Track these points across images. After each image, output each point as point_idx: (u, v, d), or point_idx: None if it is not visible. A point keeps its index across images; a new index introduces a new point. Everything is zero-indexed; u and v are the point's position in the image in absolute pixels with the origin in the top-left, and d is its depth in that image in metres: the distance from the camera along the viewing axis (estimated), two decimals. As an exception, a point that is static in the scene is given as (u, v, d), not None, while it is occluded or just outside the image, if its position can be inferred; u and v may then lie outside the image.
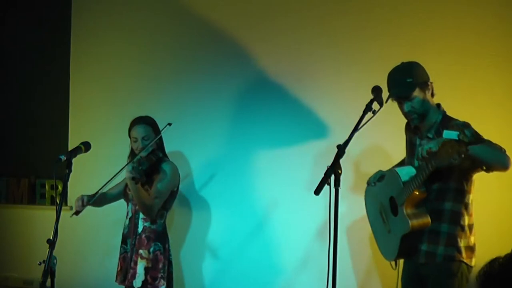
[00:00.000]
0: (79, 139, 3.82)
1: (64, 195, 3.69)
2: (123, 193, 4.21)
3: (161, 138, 4.18)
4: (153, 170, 4.07)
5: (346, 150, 3.18)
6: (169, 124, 4.06)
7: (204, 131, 4.62)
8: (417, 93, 3.35)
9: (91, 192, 3.96)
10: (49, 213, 4.67)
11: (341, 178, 3.13)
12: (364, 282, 4.30)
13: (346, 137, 3.20)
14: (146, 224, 4.08)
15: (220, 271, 4.59)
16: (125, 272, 4.08)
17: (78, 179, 4.05)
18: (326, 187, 3.09)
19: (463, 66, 4.13)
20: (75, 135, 4.79)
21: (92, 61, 4.92)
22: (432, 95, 3.42)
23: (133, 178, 3.86)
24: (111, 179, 3.87)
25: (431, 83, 3.41)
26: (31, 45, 5.23)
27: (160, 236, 4.10)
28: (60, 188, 4.42)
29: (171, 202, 4.19)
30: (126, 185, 4.11)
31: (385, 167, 3.66)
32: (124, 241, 4.14)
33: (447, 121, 3.35)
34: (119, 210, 4.29)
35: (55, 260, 3.22)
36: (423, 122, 3.41)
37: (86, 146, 3.66)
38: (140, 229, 4.08)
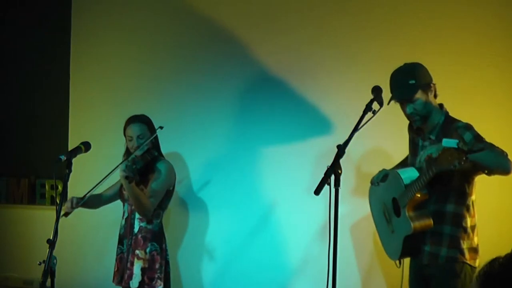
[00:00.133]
0: (79, 139, 3.82)
1: (64, 195, 3.68)
2: (118, 194, 4.17)
3: (156, 137, 4.15)
4: (148, 169, 4.03)
5: (348, 150, 3.18)
6: (161, 128, 4.04)
7: (204, 131, 4.62)
8: (419, 95, 3.35)
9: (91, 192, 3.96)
10: (49, 213, 4.67)
11: (344, 177, 3.13)
12: (368, 280, 4.30)
13: (346, 137, 3.20)
14: (142, 224, 4.04)
15: (219, 271, 4.59)
16: (121, 273, 4.04)
17: (78, 179, 4.05)
18: (327, 187, 3.08)
19: (463, 66, 4.13)
20: (75, 135, 4.78)
21: (92, 61, 4.91)
22: (435, 96, 3.42)
23: (126, 177, 3.78)
24: (102, 180, 3.79)
25: (434, 84, 3.41)
26: (31, 45, 5.23)
27: (157, 236, 4.06)
28: (60, 188, 4.41)
29: (167, 201, 4.14)
30: (122, 185, 4.07)
31: (387, 167, 3.66)
32: (120, 241, 4.10)
33: (450, 122, 3.35)
34: (119, 210, 4.28)
35: (55, 260, 3.22)
36: (426, 123, 3.41)
37: (86, 146, 3.66)
38: (136, 229, 4.04)
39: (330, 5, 4.42)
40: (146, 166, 4.00)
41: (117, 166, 3.83)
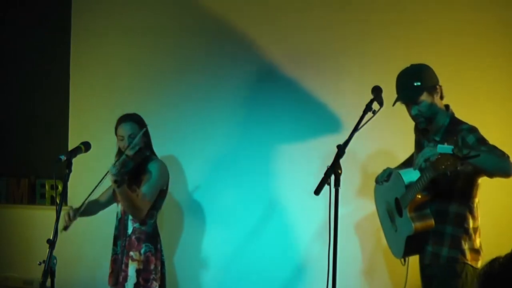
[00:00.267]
0: (79, 139, 3.82)
1: (64, 195, 3.68)
2: (113, 196, 4.09)
3: (148, 136, 4.07)
4: (140, 170, 3.97)
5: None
6: (144, 129, 3.93)
7: (204, 131, 4.62)
8: (424, 97, 3.35)
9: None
10: (49, 213, 4.67)
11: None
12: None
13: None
14: (136, 225, 3.98)
15: (218, 272, 4.59)
16: (116, 275, 3.99)
17: (78, 179, 4.05)
18: (331, 187, 3.09)
19: (463, 67, 4.14)
20: (75, 135, 4.78)
21: (92, 61, 4.91)
22: (441, 97, 3.42)
23: (115, 181, 3.72)
24: (95, 187, 3.75)
25: (440, 86, 3.40)
26: (31, 45, 5.23)
27: (151, 237, 3.99)
28: (60, 188, 4.41)
29: (161, 201, 4.06)
30: None
31: (392, 166, 3.67)
32: (114, 242, 4.04)
33: (455, 124, 3.36)
34: (119, 210, 4.29)
35: (55, 260, 3.22)
36: (431, 125, 3.41)
37: (86, 146, 3.66)
38: (129, 230, 3.98)
39: (336, 5, 4.43)
40: (138, 166, 3.94)
41: (106, 174, 3.73)
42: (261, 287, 4.45)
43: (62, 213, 3.34)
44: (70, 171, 3.44)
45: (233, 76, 4.59)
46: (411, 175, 3.34)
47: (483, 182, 3.41)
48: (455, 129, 3.31)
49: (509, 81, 4.13)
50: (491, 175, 3.24)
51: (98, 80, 4.90)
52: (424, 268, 3.48)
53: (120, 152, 4.02)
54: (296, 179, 4.40)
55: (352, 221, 4.30)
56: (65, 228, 3.77)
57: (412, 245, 3.39)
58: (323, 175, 3.10)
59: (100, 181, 3.75)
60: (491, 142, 3.25)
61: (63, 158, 3.45)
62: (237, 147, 4.56)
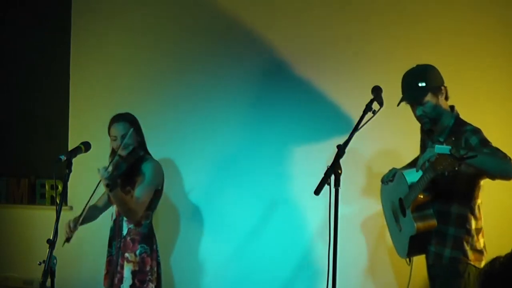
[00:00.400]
0: (79, 139, 3.82)
1: (64, 195, 3.67)
2: (108, 198, 4.03)
3: (142, 136, 4.03)
4: (134, 171, 3.92)
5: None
6: (132, 128, 3.89)
7: (205, 132, 4.62)
8: (429, 97, 3.35)
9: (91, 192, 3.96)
10: (49, 213, 4.67)
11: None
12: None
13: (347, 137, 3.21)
14: (131, 226, 3.93)
15: (218, 272, 4.59)
16: (111, 276, 3.95)
17: (78, 179, 4.05)
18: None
19: (463, 67, 4.14)
20: (75, 135, 4.78)
21: (92, 61, 4.91)
22: (446, 98, 3.42)
23: (107, 185, 3.68)
24: (92, 194, 3.72)
25: (445, 87, 3.41)
26: (31, 45, 5.23)
27: (146, 238, 3.95)
28: (60, 188, 4.41)
29: (156, 202, 4.02)
30: None
31: (397, 166, 3.68)
32: (109, 244, 4.01)
33: (459, 126, 3.36)
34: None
35: (55, 260, 3.21)
36: (436, 126, 3.42)
37: (86, 146, 3.65)
38: (124, 231, 3.94)
39: (333, 4, 4.43)
40: (131, 167, 3.90)
41: (99, 183, 3.71)
42: (261, 287, 4.45)
43: (62, 213, 3.34)
44: (70, 171, 3.43)
45: (233, 76, 4.59)
46: (414, 176, 3.35)
47: (486, 183, 3.41)
48: (460, 130, 3.32)
49: (509, 81, 4.13)
50: (492, 177, 3.25)
51: (98, 80, 4.90)
52: (428, 268, 3.52)
53: (113, 153, 3.98)
54: (297, 179, 4.39)
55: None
56: (67, 239, 3.74)
57: (415, 245, 3.41)
58: (323, 175, 3.10)
59: (96, 188, 3.72)
60: (491, 143, 3.25)
61: (63, 158, 3.44)
62: (237, 147, 4.56)
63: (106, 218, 4.23)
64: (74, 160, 3.48)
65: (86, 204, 3.74)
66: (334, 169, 3.11)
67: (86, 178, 4.23)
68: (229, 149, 4.58)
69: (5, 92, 5.31)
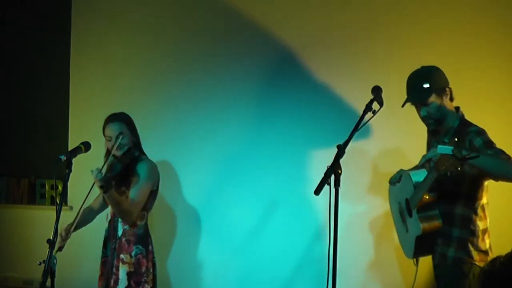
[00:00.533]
0: (79, 139, 3.81)
1: (64, 195, 3.67)
2: (103, 199, 3.99)
3: (137, 136, 4.00)
4: (129, 171, 3.88)
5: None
6: (121, 133, 3.86)
7: (205, 132, 4.62)
8: (433, 98, 3.37)
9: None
10: (49, 213, 4.67)
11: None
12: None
13: (348, 138, 3.22)
14: (126, 227, 3.90)
15: (217, 272, 4.59)
16: (106, 278, 3.90)
17: (78, 179, 4.04)
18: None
19: (463, 67, 4.14)
20: (75, 135, 4.78)
21: (92, 61, 4.91)
22: (451, 99, 3.45)
23: (101, 187, 3.64)
24: (85, 199, 3.68)
25: (450, 88, 3.43)
26: (31, 45, 5.23)
27: (142, 239, 3.91)
28: (60, 188, 4.41)
29: (152, 202, 3.98)
30: None
31: (404, 166, 3.69)
32: (104, 245, 3.98)
33: (464, 126, 3.38)
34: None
35: (55, 260, 3.21)
36: (441, 126, 3.44)
37: (86, 146, 3.65)
38: (119, 232, 3.90)
39: (333, 3, 4.44)
40: (126, 167, 3.87)
41: (93, 185, 3.68)
42: (261, 287, 4.45)
43: (62, 213, 3.33)
44: (70, 171, 3.43)
45: (233, 76, 4.59)
46: (420, 176, 3.38)
47: (497, 185, 3.42)
48: (464, 131, 3.34)
49: (509, 81, 4.14)
50: (495, 178, 3.27)
51: (98, 80, 4.90)
52: (434, 269, 3.54)
53: (108, 153, 3.95)
54: (297, 179, 4.39)
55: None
56: (60, 249, 3.64)
57: (421, 245, 3.43)
58: (323, 175, 3.10)
59: (90, 191, 3.69)
60: (496, 145, 3.27)
61: (63, 158, 3.44)
62: (237, 147, 4.56)
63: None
64: (74, 160, 3.48)
65: (79, 210, 3.71)
66: (334, 169, 3.11)
67: (86, 178, 4.22)
68: (229, 149, 4.58)
69: (5, 92, 5.31)
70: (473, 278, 3.35)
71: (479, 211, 3.40)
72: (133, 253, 3.88)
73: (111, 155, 3.87)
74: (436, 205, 3.36)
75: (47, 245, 3.25)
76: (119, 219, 3.91)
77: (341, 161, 3.12)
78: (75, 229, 3.74)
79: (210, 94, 4.63)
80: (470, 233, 3.38)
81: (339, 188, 3.11)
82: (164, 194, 4.58)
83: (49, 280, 3.23)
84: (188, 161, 4.65)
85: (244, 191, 4.53)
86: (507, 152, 3.22)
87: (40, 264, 3.21)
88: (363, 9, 4.38)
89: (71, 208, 4.70)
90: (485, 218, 3.43)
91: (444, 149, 3.02)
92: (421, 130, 3.62)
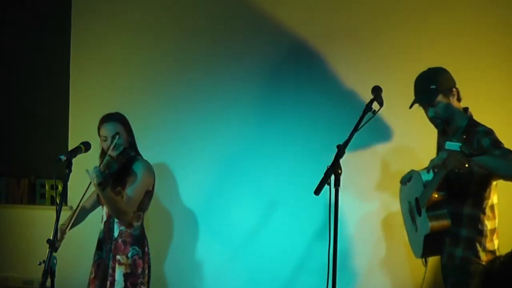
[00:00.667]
0: (79, 139, 3.81)
1: (64, 195, 3.67)
2: (97, 199, 4.00)
3: (133, 136, 3.99)
4: (125, 171, 3.86)
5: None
6: (117, 133, 3.84)
7: (204, 131, 4.62)
8: (440, 99, 3.42)
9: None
10: (49, 213, 4.67)
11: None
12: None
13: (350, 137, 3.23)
14: (122, 228, 3.87)
15: (218, 271, 4.59)
16: (101, 280, 3.87)
17: (78, 179, 4.04)
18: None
19: (463, 67, 4.14)
20: (75, 135, 4.78)
21: (92, 61, 4.91)
22: (459, 100, 3.48)
23: (99, 184, 3.62)
24: (80, 201, 3.69)
25: (457, 89, 3.47)
26: (31, 45, 5.23)
27: (138, 240, 3.89)
28: (60, 188, 4.41)
29: (147, 202, 3.96)
30: None
31: (414, 164, 3.71)
32: (99, 246, 3.95)
33: (472, 126, 3.41)
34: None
35: (55, 260, 3.21)
36: (449, 126, 3.48)
37: (86, 146, 3.65)
38: (116, 233, 3.88)
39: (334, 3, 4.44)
40: (123, 167, 3.85)
41: (90, 184, 3.67)
42: (261, 287, 4.45)
43: (62, 213, 3.33)
44: (70, 171, 3.43)
45: (233, 76, 4.59)
46: (430, 175, 3.41)
47: (506, 185, 3.43)
48: (472, 131, 3.36)
49: (509, 81, 4.14)
50: (503, 178, 3.31)
51: (98, 80, 4.90)
52: (442, 268, 3.57)
53: (103, 153, 3.93)
54: (297, 179, 4.39)
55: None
56: (56, 249, 3.53)
57: (430, 244, 3.45)
58: (323, 175, 3.10)
59: (85, 192, 3.68)
60: (503, 144, 3.29)
61: (63, 158, 3.44)
62: (237, 147, 4.56)
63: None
64: (74, 160, 3.48)
65: (76, 210, 3.71)
66: (334, 169, 3.12)
67: (86, 178, 4.22)
68: (229, 149, 4.58)
69: (5, 92, 5.31)
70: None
71: (488, 210, 3.42)
72: (129, 254, 3.86)
73: (107, 155, 3.85)
74: (445, 204, 3.38)
75: (47, 245, 3.25)
76: (115, 220, 3.89)
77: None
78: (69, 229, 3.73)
79: (210, 94, 4.63)
80: (478, 233, 3.40)
81: (339, 188, 3.12)
82: (164, 194, 4.58)
83: (49, 280, 3.23)
84: (188, 161, 4.65)
85: (244, 191, 4.53)
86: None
87: (40, 264, 3.21)
88: (363, 9, 4.38)
89: (71, 208, 4.69)
90: (494, 218, 3.45)
91: (452, 145, 3.07)
92: (434, 130, 3.65)
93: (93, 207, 4.07)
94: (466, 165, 3.07)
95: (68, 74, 4.96)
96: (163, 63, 4.76)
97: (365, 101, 3.32)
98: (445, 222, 3.38)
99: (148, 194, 3.96)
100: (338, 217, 3.11)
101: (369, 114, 3.25)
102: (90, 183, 3.67)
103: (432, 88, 3.42)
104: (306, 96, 4.43)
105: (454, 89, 3.46)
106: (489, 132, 3.33)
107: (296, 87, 4.46)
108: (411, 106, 3.47)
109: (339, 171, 3.13)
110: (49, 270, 3.20)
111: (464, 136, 3.20)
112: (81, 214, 3.99)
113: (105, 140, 3.90)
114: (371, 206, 4.30)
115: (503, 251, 3.32)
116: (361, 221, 4.28)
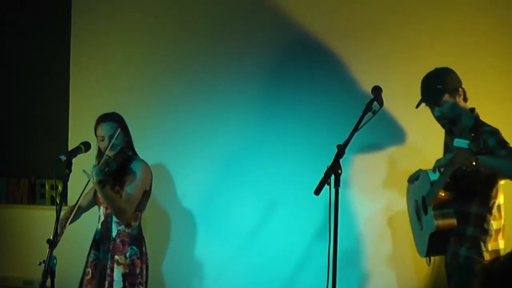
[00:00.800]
0: (79, 139, 3.82)
1: (64, 195, 3.67)
2: (94, 199, 4.00)
3: (129, 136, 4.00)
4: (123, 170, 3.86)
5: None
6: (118, 128, 3.85)
7: (204, 131, 4.62)
8: (446, 98, 3.46)
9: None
10: (49, 213, 4.67)
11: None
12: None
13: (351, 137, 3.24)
14: (120, 228, 3.87)
15: (218, 271, 4.59)
16: (98, 280, 3.86)
17: (78, 179, 4.04)
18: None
19: (463, 67, 4.13)
20: (75, 135, 4.78)
21: (92, 61, 4.91)
22: (465, 100, 3.52)
23: (99, 182, 3.61)
24: (80, 197, 3.69)
25: (463, 89, 3.51)
26: (31, 45, 5.23)
27: (136, 240, 3.89)
28: (60, 188, 4.41)
29: (145, 202, 3.96)
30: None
31: (421, 163, 3.72)
32: (96, 247, 3.93)
33: (479, 126, 3.44)
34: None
35: (55, 260, 3.22)
36: (455, 126, 3.51)
37: (86, 146, 3.65)
38: (114, 233, 3.87)
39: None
40: (121, 166, 3.85)
41: (88, 181, 3.67)
42: (261, 287, 4.45)
43: (62, 213, 3.33)
44: (70, 171, 3.44)
45: (233, 76, 4.58)
46: (437, 174, 3.42)
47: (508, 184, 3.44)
48: (479, 130, 3.39)
49: (509, 81, 4.14)
50: (509, 178, 3.34)
51: (98, 80, 4.90)
52: (446, 267, 3.59)
53: (100, 153, 3.93)
54: (297, 179, 4.39)
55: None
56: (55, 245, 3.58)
57: (435, 243, 3.47)
58: (323, 175, 3.11)
59: (84, 189, 3.69)
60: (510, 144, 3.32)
61: (63, 158, 3.44)
62: (238, 147, 4.56)
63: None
64: (74, 160, 3.48)
65: (75, 206, 3.71)
66: (334, 169, 3.12)
67: (86, 178, 4.23)
68: (229, 149, 4.58)
69: (5, 92, 5.31)
70: None
71: (494, 210, 3.43)
72: (127, 254, 3.86)
73: (105, 155, 3.85)
74: (452, 203, 3.41)
75: (47, 245, 3.25)
76: (113, 220, 3.89)
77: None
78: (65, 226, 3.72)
79: (210, 94, 4.63)
80: (483, 232, 3.42)
81: (339, 188, 3.12)
82: (164, 194, 4.58)
83: (49, 280, 3.23)
84: (188, 161, 4.64)
85: (244, 191, 4.53)
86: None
87: (40, 264, 3.21)
88: (362, 9, 4.38)
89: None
90: (500, 218, 3.47)
91: (460, 142, 3.12)
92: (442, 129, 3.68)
93: (89, 206, 4.05)
94: (474, 163, 3.10)
95: (68, 74, 4.96)
96: (163, 63, 4.76)
97: (365, 101, 3.31)
98: (451, 221, 3.40)
99: (146, 194, 3.97)
100: (338, 217, 3.11)
101: (369, 114, 3.26)
102: (89, 181, 3.66)
103: (438, 87, 3.45)
104: (306, 96, 4.43)
105: (460, 89, 3.50)
106: (495, 132, 3.36)
107: (296, 87, 4.46)
108: (417, 106, 3.51)
109: (339, 171, 3.13)
110: (49, 270, 3.20)
111: (473, 134, 3.23)
112: (77, 212, 3.95)
113: (102, 140, 3.91)
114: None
115: (508, 251, 3.33)
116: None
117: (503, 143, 3.31)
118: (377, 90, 3.33)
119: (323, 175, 3.12)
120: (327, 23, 4.43)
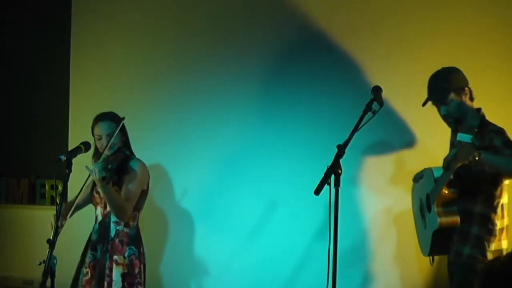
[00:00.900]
0: (79, 139, 3.82)
1: (64, 195, 3.67)
2: (90, 198, 3.99)
3: (126, 135, 3.99)
4: (122, 169, 3.86)
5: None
6: (112, 132, 3.83)
7: (204, 132, 4.62)
8: (452, 97, 3.48)
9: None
10: (49, 213, 4.65)
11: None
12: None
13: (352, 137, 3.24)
14: (119, 227, 3.87)
15: (218, 271, 4.59)
16: (97, 280, 3.84)
17: (78, 179, 4.04)
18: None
19: (462, 67, 4.13)
20: (75, 135, 4.78)
21: (92, 61, 4.91)
22: (471, 99, 3.54)
23: (103, 178, 3.61)
24: (80, 191, 3.70)
25: (469, 88, 3.53)
26: (31, 45, 5.23)
27: (134, 240, 3.89)
28: (60, 188, 4.41)
29: (143, 202, 3.96)
30: (93, 189, 3.93)
31: (428, 161, 3.74)
32: (93, 247, 3.91)
33: (485, 126, 3.45)
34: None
35: (55, 260, 3.21)
36: (461, 125, 3.52)
37: (86, 146, 3.65)
38: (112, 233, 3.87)
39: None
40: (120, 166, 3.85)
41: (88, 177, 3.65)
42: (261, 287, 4.45)
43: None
44: (70, 171, 3.44)
45: (233, 76, 4.58)
46: (441, 171, 3.43)
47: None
48: (485, 130, 3.41)
49: (509, 81, 4.14)
50: (507, 177, 3.36)
51: (98, 80, 4.90)
52: (448, 266, 3.60)
53: (97, 153, 3.91)
54: (297, 179, 4.39)
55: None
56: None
57: (438, 241, 3.48)
58: (323, 175, 3.11)
59: (83, 186, 3.68)
60: None
61: (63, 158, 3.44)
62: (238, 147, 4.56)
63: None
64: (74, 160, 3.48)
65: (74, 201, 3.71)
66: (334, 169, 3.12)
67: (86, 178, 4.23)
68: (229, 149, 4.58)
69: (5, 92, 5.31)
70: None
71: (498, 210, 3.44)
72: (126, 254, 3.86)
73: (103, 154, 3.84)
74: (456, 201, 3.41)
75: (47, 245, 3.25)
76: (112, 220, 3.89)
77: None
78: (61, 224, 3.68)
79: (210, 94, 4.63)
80: (488, 231, 3.43)
81: (339, 188, 3.12)
82: (164, 194, 4.58)
83: (49, 280, 3.23)
84: (188, 161, 4.64)
85: (244, 191, 4.53)
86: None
87: (40, 264, 3.21)
88: (362, 9, 4.38)
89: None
90: (503, 217, 3.48)
91: (464, 137, 3.16)
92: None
93: (84, 204, 4.03)
94: (476, 158, 3.12)
95: (68, 74, 4.96)
96: (163, 63, 4.76)
97: (365, 101, 3.31)
98: (454, 219, 3.40)
99: (144, 193, 3.97)
100: (338, 217, 3.11)
101: (369, 114, 3.26)
102: (88, 177, 3.65)
103: (444, 86, 3.48)
104: (306, 96, 4.43)
105: (466, 88, 3.52)
106: (500, 132, 3.39)
107: (296, 87, 4.46)
108: (424, 104, 3.53)
109: (339, 171, 3.13)
110: (49, 270, 3.20)
111: (476, 129, 3.25)
112: (74, 209, 3.94)
113: (99, 139, 3.90)
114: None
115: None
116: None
117: (508, 142, 3.34)
118: (377, 90, 3.33)
119: (323, 175, 3.11)
120: (327, 23, 4.43)
